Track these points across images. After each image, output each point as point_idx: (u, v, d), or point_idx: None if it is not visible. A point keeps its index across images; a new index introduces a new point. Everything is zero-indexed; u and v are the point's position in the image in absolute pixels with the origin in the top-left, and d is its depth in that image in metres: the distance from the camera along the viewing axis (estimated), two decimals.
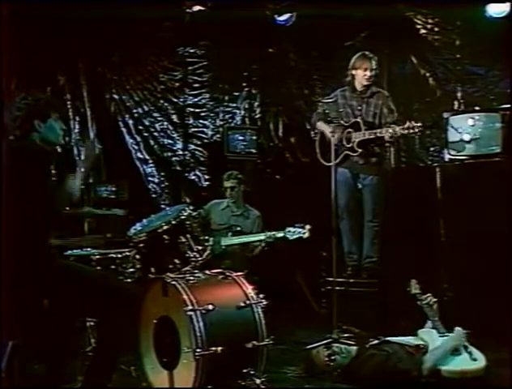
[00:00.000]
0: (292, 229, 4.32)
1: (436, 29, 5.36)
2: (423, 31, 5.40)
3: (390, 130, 4.14)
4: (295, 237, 4.29)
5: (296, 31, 5.75)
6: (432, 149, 5.29)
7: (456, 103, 5.16)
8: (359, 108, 4.43)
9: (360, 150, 4.29)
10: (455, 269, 4.45)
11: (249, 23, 5.70)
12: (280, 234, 4.38)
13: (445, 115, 4.73)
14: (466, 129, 4.58)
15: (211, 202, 5.04)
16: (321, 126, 4.47)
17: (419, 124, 4.10)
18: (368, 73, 4.35)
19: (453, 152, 4.61)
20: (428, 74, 5.39)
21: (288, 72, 6.09)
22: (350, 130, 4.36)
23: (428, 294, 3.56)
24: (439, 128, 4.80)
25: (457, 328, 3.41)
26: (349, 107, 4.44)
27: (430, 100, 5.36)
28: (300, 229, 4.29)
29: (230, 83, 6.22)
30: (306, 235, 4.28)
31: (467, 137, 4.57)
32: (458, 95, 5.19)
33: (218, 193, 5.14)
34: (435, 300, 3.54)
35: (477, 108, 4.70)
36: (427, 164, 5.28)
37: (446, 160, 4.67)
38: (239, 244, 4.57)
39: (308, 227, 4.27)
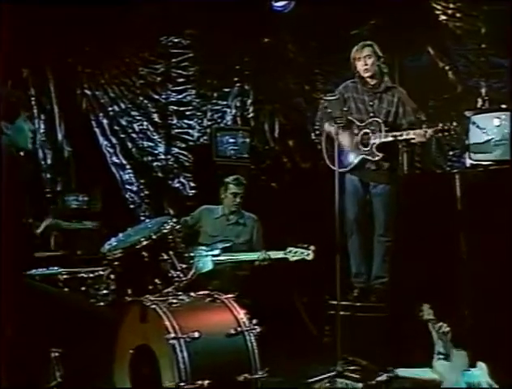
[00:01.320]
0: (293, 249, 4.34)
1: (458, 15, 5.47)
2: (443, 17, 5.51)
3: (419, 133, 4.14)
4: (297, 258, 4.32)
5: (294, 18, 5.86)
6: (451, 153, 5.35)
7: (480, 100, 5.22)
8: (371, 103, 4.48)
9: (380, 154, 4.34)
10: (478, 293, 4.49)
11: (241, 9, 5.80)
12: (280, 255, 4.40)
13: (467, 114, 4.81)
14: (491, 130, 4.65)
15: (201, 207, 5.07)
16: (329, 128, 4.50)
17: (455, 124, 4.15)
18: (363, 62, 4.42)
19: (475, 157, 4.68)
20: (447, 67, 5.48)
21: (285, 65, 6.19)
22: (367, 130, 4.40)
23: (441, 323, 3.57)
24: (460, 129, 4.88)
25: (480, 363, 3.43)
26: (361, 102, 4.49)
27: (449, 96, 5.45)
28: (303, 250, 4.31)
29: (219, 77, 6.32)
30: (310, 257, 4.30)
31: (491, 139, 4.64)
32: (482, 91, 5.25)
33: (205, 203, 5.18)
34: (448, 329, 3.55)
35: (504, 106, 4.76)
36: (445, 170, 5.35)
37: (468, 165, 4.74)
38: (232, 262, 4.60)
39: (312, 248, 4.29)
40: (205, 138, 6.27)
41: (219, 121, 6.35)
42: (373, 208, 4.47)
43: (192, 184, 6.20)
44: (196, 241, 4.87)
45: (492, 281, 4.39)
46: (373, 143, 4.33)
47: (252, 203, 5.31)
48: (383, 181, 4.42)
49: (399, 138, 4.25)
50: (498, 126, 4.63)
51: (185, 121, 6.30)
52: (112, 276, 3.45)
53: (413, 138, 4.20)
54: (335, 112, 4.36)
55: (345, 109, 4.42)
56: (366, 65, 4.43)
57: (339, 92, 4.52)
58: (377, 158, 4.34)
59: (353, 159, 4.39)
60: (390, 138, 4.27)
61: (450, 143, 5.30)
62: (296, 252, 4.36)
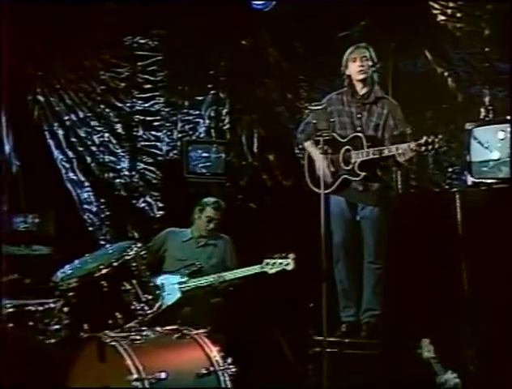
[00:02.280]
0: (271, 261, 4.37)
1: (458, 15, 5.58)
2: (441, 17, 5.62)
3: (403, 148, 4.17)
4: (276, 269, 4.35)
5: (276, 17, 5.96)
6: (450, 170, 5.43)
7: (483, 110, 5.26)
8: (358, 116, 4.51)
9: (362, 173, 4.36)
10: (482, 328, 4.51)
11: (216, 6, 5.89)
12: (256, 269, 4.43)
13: (468, 126, 4.89)
14: (494, 144, 4.74)
15: (165, 230, 5.10)
16: (309, 147, 4.55)
17: (439, 137, 4.16)
18: (359, 62, 4.47)
19: (477, 174, 4.76)
20: (446, 74, 5.58)
21: (265, 70, 6.27)
22: (349, 147, 4.43)
23: (449, 373, 3.57)
24: (460, 143, 4.99)
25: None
26: (347, 115, 4.52)
27: (449, 106, 5.54)
28: (281, 260, 4.34)
29: (191, 84, 6.37)
30: (290, 266, 4.34)
31: (495, 154, 4.73)
32: (486, 100, 5.32)
33: (175, 225, 5.19)
34: (457, 381, 3.55)
35: (508, 117, 4.83)
36: (444, 188, 5.43)
37: (469, 183, 4.82)
38: (203, 287, 4.62)
39: (292, 256, 4.33)
40: (175, 152, 6.31)
41: (190, 133, 6.40)
42: (362, 232, 4.51)
43: (160, 204, 6.22)
44: (162, 267, 4.87)
45: (497, 314, 4.42)
46: (355, 161, 4.37)
47: (228, 224, 5.34)
48: (372, 202, 4.45)
49: (383, 155, 4.28)
50: (503, 139, 4.72)
51: (153, 132, 6.34)
52: (65, 309, 3.43)
53: (397, 155, 4.23)
54: (321, 123, 4.28)
55: (333, 119, 4.47)
56: (362, 66, 4.49)
57: (328, 100, 4.57)
58: (358, 178, 4.37)
59: (335, 179, 4.43)
60: (372, 156, 4.30)
61: (450, 159, 5.38)
62: (274, 263, 4.39)
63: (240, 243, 5.24)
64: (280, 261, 4.38)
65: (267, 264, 4.42)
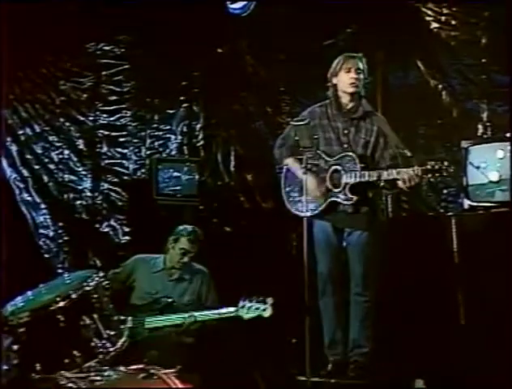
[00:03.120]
0: (247, 304, 4.37)
1: (453, 22, 5.69)
2: (434, 25, 5.74)
3: (407, 173, 4.15)
4: (251, 315, 4.34)
5: (255, 23, 6.03)
6: (445, 192, 5.51)
7: (480, 127, 5.42)
8: (345, 132, 4.49)
9: (355, 197, 4.36)
10: (482, 367, 4.49)
11: (189, 11, 5.92)
12: (231, 312, 4.42)
13: (465, 144, 4.97)
14: (493, 164, 4.82)
15: (135, 257, 5.03)
16: (291, 163, 4.54)
17: (446, 163, 4.18)
18: (353, 74, 4.48)
19: (475, 197, 4.84)
20: (440, 87, 5.68)
21: (243, 82, 6.32)
22: (338, 167, 4.43)
23: None
24: (455, 162, 5.00)
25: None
26: (332, 130, 4.50)
27: (443, 122, 5.63)
28: (258, 304, 4.34)
29: (161, 96, 6.39)
30: (268, 313, 4.33)
31: (494, 175, 4.81)
32: (483, 115, 5.46)
33: (141, 252, 5.15)
34: None
35: (508, 134, 4.91)
36: (438, 212, 5.49)
37: (466, 207, 4.89)
38: (171, 326, 4.59)
39: (270, 301, 4.32)
40: (143, 171, 6.31)
41: (160, 150, 6.41)
42: (349, 260, 4.51)
43: (126, 228, 6.20)
44: (128, 300, 4.84)
45: (497, 351, 4.45)
46: (346, 183, 4.37)
47: (201, 251, 5.33)
48: (360, 226, 4.45)
49: (381, 178, 4.27)
50: (502, 159, 4.80)
51: (118, 149, 6.34)
52: (14, 347, 3.39)
53: (397, 179, 4.24)
54: (304, 140, 4.32)
55: (317, 135, 4.45)
56: (355, 79, 4.45)
57: (310, 113, 4.54)
58: (350, 202, 4.37)
59: (320, 202, 4.43)
60: (369, 179, 4.31)
61: (444, 180, 5.35)
62: (249, 307, 4.38)
63: (214, 272, 5.22)
64: (257, 305, 4.38)
65: (243, 307, 4.41)
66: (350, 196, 4.34)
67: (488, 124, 5.39)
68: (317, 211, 4.42)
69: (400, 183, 4.24)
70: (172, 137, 6.44)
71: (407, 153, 4.34)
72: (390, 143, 4.44)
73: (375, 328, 4.53)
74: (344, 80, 4.47)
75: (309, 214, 4.26)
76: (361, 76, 4.47)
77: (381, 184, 4.37)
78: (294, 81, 6.12)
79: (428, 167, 4.15)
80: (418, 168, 4.16)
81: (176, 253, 4.87)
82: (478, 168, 4.82)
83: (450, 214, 5.15)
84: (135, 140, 6.37)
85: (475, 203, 4.83)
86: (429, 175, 4.17)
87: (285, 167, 4.63)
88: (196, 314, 4.60)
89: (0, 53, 3.00)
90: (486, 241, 4.73)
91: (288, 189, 4.61)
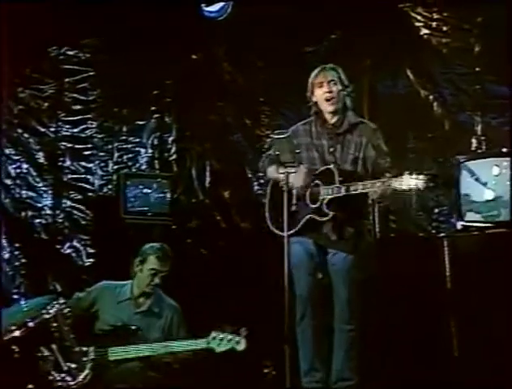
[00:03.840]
0: (219, 336, 4.37)
1: (444, 28, 5.76)
2: (424, 31, 5.80)
3: (380, 186, 4.16)
4: (223, 348, 4.34)
5: (233, 28, 6.06)
6: (436, 211, 5.54)
7: (474, 141, 5.48)
8: (331, 150, 4.49)
9: (331, 213, 4.37)
10: None
11: (161, 12, 5.95)
12: (201, 344, 4.41)
13: (457, 160, 5.02)
14: (488, 181, 4.88)
15: (100, 284, 4.99)
16: (273, 172, 4.54)
17: (431, 174, 4.15)
18: (325, 89, 4.48)
19: (468, 217, 4.88)
20: (431, 97, 5.74)
21: (220, 91, 6.34)
22: (317, 181, 4.44)
23: None
24: (448, 179, 5.06)
25: None
26: (316, 149, 4.51)
27: (434, 136, 5.68)
28: (231, 336, 4.34)
29: (131, 105, 6.38)
30: (242, 346, 4.32)
31: (489, 194, 4.86)
32: (477, 129, 5.52)
33: (108, 277, 5.12)
34: None
35: (505, 149, 4.98)
36: (429, 233, 5.51)
37: (459, 228, 4.93)
38: (138, 358, 4.57)
39: (244, 332, 4.32)
40: (110, 187, 6.29)
41: (129, 164, 6.39)
42: (333, 284, 4.51)
43: (90, 250, 6.16)
44: (92, 329, 4.81)
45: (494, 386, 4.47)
46: (323, 199, 4.40)
47: (173, 275, 5.32)
48: (345, 248, 4.46)
49: (356, 192, 4.29)
50: (497, 175, 4.85)
51: (83, 163, 6.29)
52: None
53: (377, 194, 4.26)
54: (285, 155, 4.33)
55: (297, 151, 4.44)
56: (330, 92, 4.46)
57: (293, 131, 4.55)
58: (326, 218, 4.40)
59: (299, 218, 4.45)
60: (344, 193, 4.30)
61: (436, 198, 5.49)
62: (222, 339, 4.38)
63: (186, 298, 5.21)
64: (230, 337, 4.39)
65: (214, 339, 4.41)
66: (326, 211, 4.36)
67: (482, 138, 5.44)
68: (296, 229, 4.40)
69: (372, 194, 4.27)
70: (142, 150, 6.42)
71: (386, 164, 4.39)
72: (381, 154, 4.46)
73: (361, 359, 4.51)
74: (320, 97, 4.50)
75: (289, 232, 4.21)
76: (336, 88, 4.47)
77: (361, 199, 4.38)
78: (274, 91, 6.15)
79: (402, 179, 4.11)
80: (388, 179, 4.16)
81: (145, 275, 4.82)
82: (475, 181, 4.89)
83: (441, 235, 5.19)
84: (101, 153, 6.33)
85: (468, 224, 4.87)
86: (405, 187, 4.13)
87: (267, 180, 4.66)
88: (165, 345, 4.58)
89: None
90: (481, 264, 4.76)
91: (270, 205, 4.62)
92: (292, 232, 4.35)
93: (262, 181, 4.82)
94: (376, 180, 4.22)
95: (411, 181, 4.11)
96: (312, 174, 4.46)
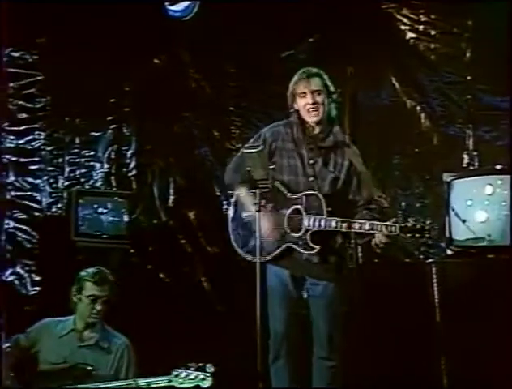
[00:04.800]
0: (182, 373, 4.37)
1: (432, 33, 5.89)
2: (411, 35, 5.93)
3: (382, 229, 4.13)
4: (188, 385, 4.35)
5: (200, 29, 6.11)
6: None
7: (465, 157, 5.60)
8: (311, 162, 4.44)
9: (317, 247, 4.36)
10: None
11: (120, 12, 5.97)
12: (162, 382, 4.41)
13: (447, 177, 5.14)
14: (481, 201, 4.99)
15: (41, 322, 4.97)
16: (242, 193, 4.50)
17: (428, 222, 4.20)
18: (309, 100, 4.43)
19: (458, 241, 4.99)
20: (418, 108, 5.86)
21: (185, 99, 6.37)
22: (299, 207, 4.42)
23: None
24: (436, 199, 5.26)
25: None
26: (299, 157, 4.47)
27: (421, 151, 5.78)
28: (196, 373, 4.35)
29: (84, 114, 6.35)
30: (207, 383, 4.33)
31: (482, 215, 4.98)
32: (469, 143, 5.64)
33: (54, 307, 5.09)
34: None
35: (499, 166, 5.11)
36: (416, 259, 5.61)
37: (448, 253, 5.05)
38: None
39: (210, 368, 4.33)
40: (59, 206, 6.26)
41: (82, 180, 6.37)
42: (312, 316, 4.53)
43: (35, 277, 6.12)
44: (34, 368, 4.79)
45: None
46: (308, 229, 4.38)
47: (130, 305, 5.33)
48: (325, 276, 4.45)
49: (351, 230, 4.26)
50: (491, 195, 4.97)
51: (29, 179, 6.24)
52: None
53: (371, 234, 4.26)
54: (257, 171, 4.28)
55: (271, 166, 4.41)
56: (315, 104, 4.44)
57: (263, 140, 4.52)
58: (311, 252, 4.36)
59: (274, 246, 4.44)
60: (335, 227, 4.28)
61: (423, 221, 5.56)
62: (185, 376, 4.39)
63: (146, 330, 5.23)
64: (195, 374, 4.40)
65: (177, 376, 4.42)
66: (311, 245, 4.36)
67: (474, 153, 5.55)
68: (269, 257, 4.39)
69: (373, 241, 4.26)
70: (97, 165, 6.40)
71: (383, 203, 4.39)
72: (364, 184, 4.45)
73: None
74: (302, 107, 4.46)
75: (261, 259, 4.18)
76: (320, 98, 4.43)
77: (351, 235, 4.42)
78: (246, 100, 6.23)
79: (409, 225, 4.17)
80: (396, 225, 4.17)
81: (84, 304, 4.81)
82: (466, 202, 5.00)
83: (430, 261, 5.28)
84: (50, 168, 6.28)
85: (459, 249, 4.98)
86: (408, 234, 4.18)
87: (234, 198, 4.61)
88: (119, 383, 4.58)
89: None
90: (473, 293, 4.85)
91: (235, 226, 4.59)
92: (266, 259, 4.37)
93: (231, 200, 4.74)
94: (378, 222, 4.22)
95: (416, 233, 4.16)
96: (283, 200, 4.45)
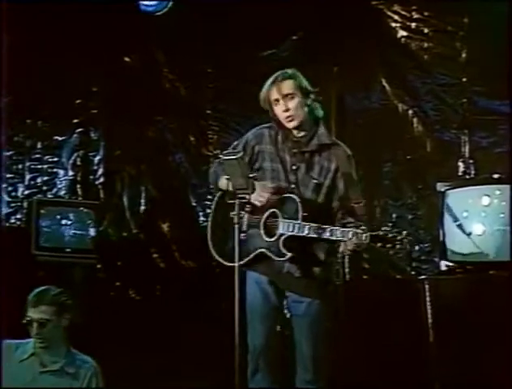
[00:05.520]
0: None
1: (425, 31, 5.94)
2: (402, 33, 5.98)
3: (351, 237, 4.19)
4: None
5: (175, 25, 6.16)
6: (417, 248, 5.71)
7: (461, 165, 5.66)
8: (294, 167, 4.46)
9: (288, 254, 4.37)
10: None
11: (88, 6, 5.99)
12: None
13: (441, 187, 5.17)
14: (477, 213, 5.03)
15: (3, 343, 4.97)
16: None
17: (404, 233, 4.18)
18: (282, 106, 4.43)
19: (454, 256, 5.03)
20: (410, 112, 5.92)
21: (158, 101, 6.40)
22: (275, 210, 4.45)
23: None
24: (430, 211, 5.32)
25: None
26: (281, 161, 4.47)
27: (413, 158, 5.85)
28: None
29: (47, 117, 6.38)
30: None
31: (479, 228, 5.02)
32: (465, 150, 5.70)
33: (12, 329, 5.08)
34: None
35: (496, 176, 5.15)
36: (408, 275, 5.66)
37: (442, 268, 5.08)
38: None
39: None
40: (19, 217, 6.30)
41: (44, 189, 6.40)
42: (295, 337, 4.58)
43: None
44: None
45: None
46: (281, 234, 4.39)
47: (96, 326, 5.37)
48: (308, 293, 4.49)
49: (322, 237, 4.29)
50: (488, 206, 5.01)
51: None
52: None
53: (338, 242, 4.29)
54: (237, 180, 4.27)
55: (251, 175, 4.40)
56: (288, 110, 4.45)
57: (243, 145, 4.52)
58: (282, 259, 4.35)
59: (250, 250, 4.40)
60: (307, 234, 4.28)
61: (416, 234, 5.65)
62: None
63: (115, 353, 5.24)
64: None
65: None
66: (283, 251, 4.37)
67: (470, 161, 5.62)
68: (244, 261, 4.26)
69: (342, 246, 4.28)
70: (61, 172, 6.44)
71: (360, 210, 4.34)
72: (350, 190, 4.46)
73: None
74: (279, 114, 4.47)
75: (234, 264, 4.05)
76: (294, 103, 4.43)
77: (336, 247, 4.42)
78: (224, 102, 6.28)
79: (380, 234, 4.17)
80: (367, 234, 4.16)
81: (32, 328, 4.82)
82: (461, 214, 5.04)
83: (422, 277, 5.30)
84: (9, 175, 6.30)
85: (454, 264, 5.02)
86: (379, 244, 4.18)
87: (217, 196, 4.61)
88: None
89: None
90: (468, 312, 4.88)
91: (213, 231, 4.58)
92: (241, 263, 4.35)
93: (209, 211, 4.73)
94: (349, 229, 4.20)
95: (384, 239, 4.16)
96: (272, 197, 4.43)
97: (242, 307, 4.16)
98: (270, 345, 4.49)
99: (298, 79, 4.45)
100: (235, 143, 4.59)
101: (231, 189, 4.31)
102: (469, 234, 5.03)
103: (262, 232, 4.45)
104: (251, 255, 4.43)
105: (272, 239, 4.41)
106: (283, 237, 4.35)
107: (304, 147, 4.50)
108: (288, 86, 4.42)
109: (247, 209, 4.29)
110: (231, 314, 3.99)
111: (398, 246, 4.17)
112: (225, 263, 4.32)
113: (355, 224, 4.25)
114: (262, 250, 4.45)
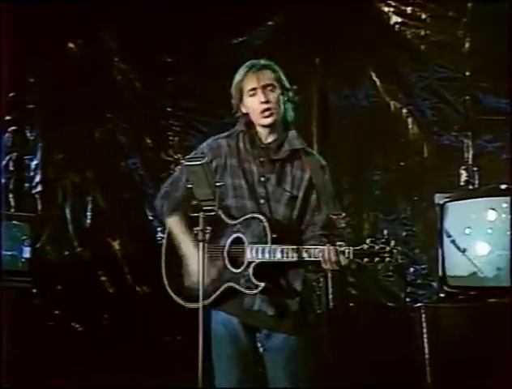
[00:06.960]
0: None
1: (423, 16, 6.07)
2: (396, 19, 6.12)
3: (329, 253, 4.22)
4: None
5: (128, 8, 6.23)
6: (411, 271, 5.83)
7: (463, 173, 5.80)
8: (262, 179, 4.47)
9: (261, 285, 4.39)
10: None
11: None
12: None
13: (440, 199, 5.29)
14: (482, 230, 5.16)
15: None
16: (173, 224, 4.54)
17: (393, 244, 4.22)
18: (261, 98, 4.47)
19: (453, 280, 5.15)
20: (405, 111, 6.06)
21: (108, 97, 6.48)
22: (240, 235, 4.52)
23: None
24: (426, 226, 5.44)
25: None
26: (244, 175, 4.51)
27: (408, 164, 5.98)
28: None
29: None
30: None
31: (483, 247, 5.15)
32: (468, 156, 5.85)
33: None
34: None
35: (503, 186, 5.25)
36: (402, 302, 5.79)
37: (441, 294, 5.20)
38: None
39: None
40: None
41: None
42: (268, 375, 4.63)
43: None
44: None
45: None
46: (249, 263, 4.37)
47: (32, 361, 5.45)
48: (285, 330, 4.51)
49: (300, 259, 4.33)
50: (493, 221, 5.13)
51: None
52: None
53: (317, 262, 4.34)
54: (201, 189, 4.26)
55: (218, 183, 4.44)
56: (268, 102, 4.45)
57: (213, 148, 4.41)
58: (254, 291, 4.34)
59: (215, 287, 4.40)
60: (281, 258, 4.28)
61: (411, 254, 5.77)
62: None
63: None
64: None
65: None
66: (254, 282, 4.37)
67: (474, 169, 5.75)
68: (209, 300, 4.32)
69: (323, 264, 4.21)
70: None
71: (339, 223, 4.34)
72: (324, 201, 4.48)
73: None
74: (253, 109, 4.49)
75: (195, 306, 4.12)
76: (274, 95, 4.44)
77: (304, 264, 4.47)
78: (188, 98, 6.38)
79: (365, 247, 4.17)
80: (349, 249, 4.16)
81: None
82: (463, 230, 5.14)
83: (419, 305, 5.36)
84: None
85: (454, 289, 5.14)
86: (365, 259, 4.17)
87: (166, 232, 4.61)
88: None
89: None
90: (470, 344, 4.99)
91: (168, 265, 4.59)
92: (204, 304, 4.35)
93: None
94: (324, 245, 4.22)
95: (374, 257, 4.12)
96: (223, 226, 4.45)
97: (207, 348, 4.17)
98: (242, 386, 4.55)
99: (278, 72, 4.48)
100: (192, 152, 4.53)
101: (176, 228, 4.47)
102: (464, 251, 5.11)
103: (226, 261, 4.46)
104: (217, 292, 4.46)
105: (240, 269, 4.42)
106: (252, 265, 4.38)
107: (273, 155, 4.52)
108: (268, 75, 4.44)
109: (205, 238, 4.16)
110: (192, 350, 4.01)
111: (388, 259, 4.16)
112: (186, 305, 4.38)
113: (331, 238, 4.27)
114: (230, 283, 4.46)
